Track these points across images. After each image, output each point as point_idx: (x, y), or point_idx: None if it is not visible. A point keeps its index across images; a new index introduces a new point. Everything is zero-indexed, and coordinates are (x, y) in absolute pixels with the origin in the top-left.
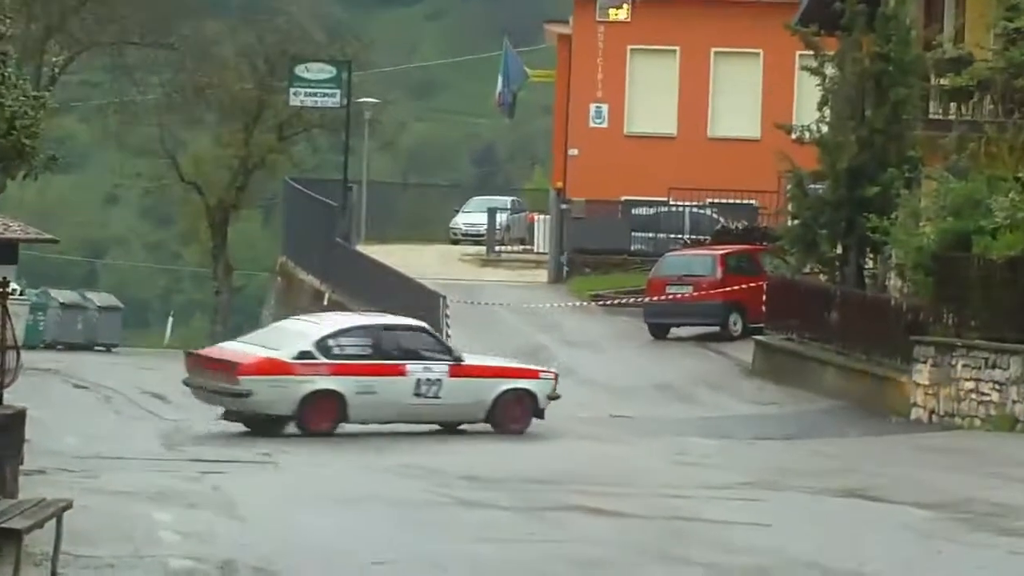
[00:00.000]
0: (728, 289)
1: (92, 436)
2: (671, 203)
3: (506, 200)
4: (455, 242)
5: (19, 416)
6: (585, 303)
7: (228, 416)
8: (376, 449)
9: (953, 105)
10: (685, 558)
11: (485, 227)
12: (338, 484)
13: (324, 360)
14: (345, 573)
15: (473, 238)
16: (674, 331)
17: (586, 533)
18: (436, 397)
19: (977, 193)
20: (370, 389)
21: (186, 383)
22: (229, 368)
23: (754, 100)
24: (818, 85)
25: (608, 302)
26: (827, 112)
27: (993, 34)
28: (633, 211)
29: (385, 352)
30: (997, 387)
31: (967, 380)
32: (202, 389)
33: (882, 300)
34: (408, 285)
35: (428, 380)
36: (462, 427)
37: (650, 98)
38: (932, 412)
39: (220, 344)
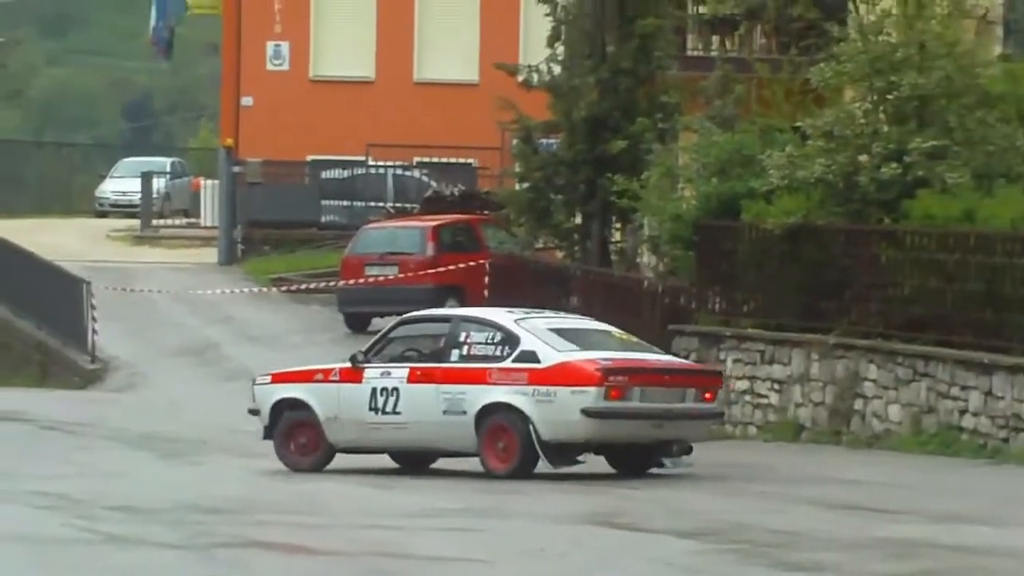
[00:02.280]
0: (442, 270)
1: None
2: (370, 164)
3: (165, 162)
4: (102, 215)
5: None
6: (265, 289)
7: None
8: (3, 472)
9: (715, 39)
10: None
11: (139, 196)
12: None
13: None
14: None
15: (124, 209)
16: (376, 322)
17: (272, 575)
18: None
19: (747, 147)
20: None
21: None
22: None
23: (471, 34)
24: (548, 15)
25: (293, 287)
26: (560, 49)
27: None
28: (323, 174)
29: None
30: (776, 387)
31: (739, 379)
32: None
33: (632, 281)
34: (42, 269)
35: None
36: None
37: (342, 33)
38: None
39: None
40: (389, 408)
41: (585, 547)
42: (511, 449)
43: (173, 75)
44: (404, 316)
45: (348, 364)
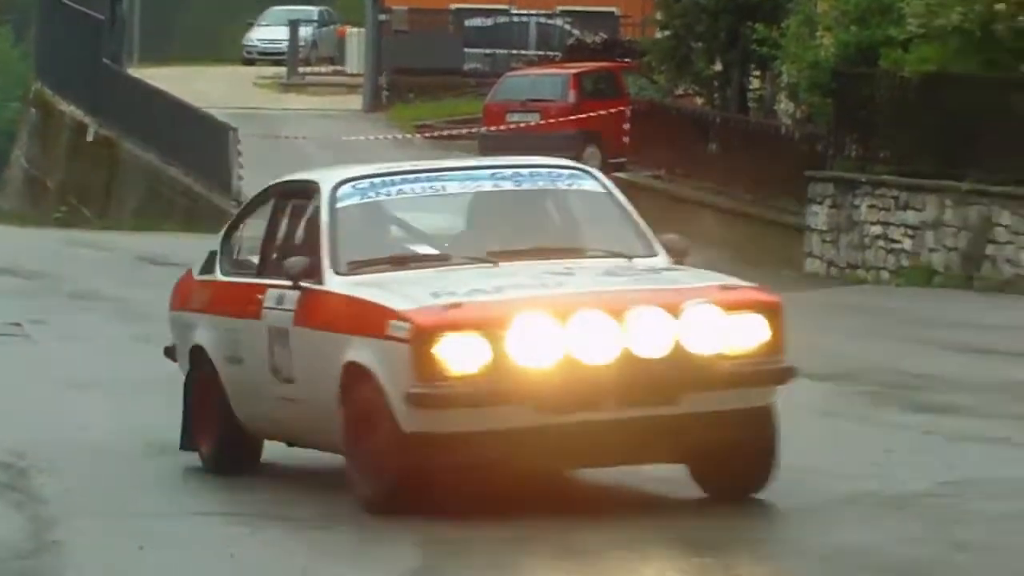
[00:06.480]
0: (583, 116)
1: None
2: (513, 12)
3: (312, 10)
4: (249, 62)
5: None
6: (409, 135)
7: None
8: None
9: None
10: None
11: (286, 44)
12: (107, 361)
13: None
14: (117, 466)
15: (271, 57)
16: None
17: None
18: None
19: None
20: None
21: None
22: None
23: None
24: None
25: (437, 134)
26: None
27: None
28: (467, 22)
29: None
30: (910, 232)
31: (874, 224)
32: None
33: (770, 127)
34: (191, 116)
35: None
36: None
37: None
38: (831, 264)
39: None
40: None
41: None
42: None
43: None
44: None
45: None
